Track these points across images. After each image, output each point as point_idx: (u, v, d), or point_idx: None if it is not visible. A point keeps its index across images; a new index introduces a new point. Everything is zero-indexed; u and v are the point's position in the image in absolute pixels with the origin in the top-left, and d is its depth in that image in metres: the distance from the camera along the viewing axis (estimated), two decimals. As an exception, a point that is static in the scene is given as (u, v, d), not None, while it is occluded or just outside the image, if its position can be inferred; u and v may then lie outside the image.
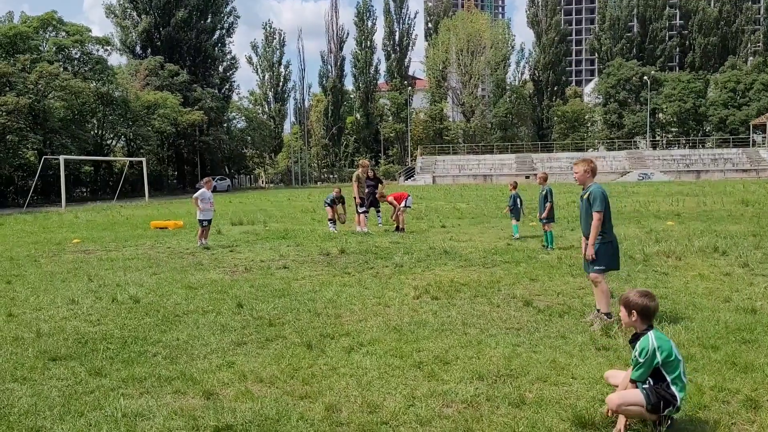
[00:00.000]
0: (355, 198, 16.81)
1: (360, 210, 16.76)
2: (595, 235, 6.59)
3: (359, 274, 10.15)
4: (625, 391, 4.10)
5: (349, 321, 7.05)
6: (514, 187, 15.12)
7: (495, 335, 6.33)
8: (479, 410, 4.42)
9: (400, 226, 16.73)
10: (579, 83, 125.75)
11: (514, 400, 4.55)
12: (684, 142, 73.16)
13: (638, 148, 73.06)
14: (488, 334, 6.38)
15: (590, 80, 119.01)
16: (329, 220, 17.42)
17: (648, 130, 73.16)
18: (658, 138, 77.69)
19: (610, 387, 4.47)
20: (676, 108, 71.61)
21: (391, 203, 17.28)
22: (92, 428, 4.22)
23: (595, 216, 6.56)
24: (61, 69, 46.20)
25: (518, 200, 14.75)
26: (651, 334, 4.06)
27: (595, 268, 6.66)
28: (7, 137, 41.61)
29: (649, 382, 4.02)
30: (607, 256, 6.68)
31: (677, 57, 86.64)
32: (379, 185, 18.18)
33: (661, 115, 76.66)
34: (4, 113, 40.15)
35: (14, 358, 5.85)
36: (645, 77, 72.19)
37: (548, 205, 12.95)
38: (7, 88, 42.24)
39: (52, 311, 7.86)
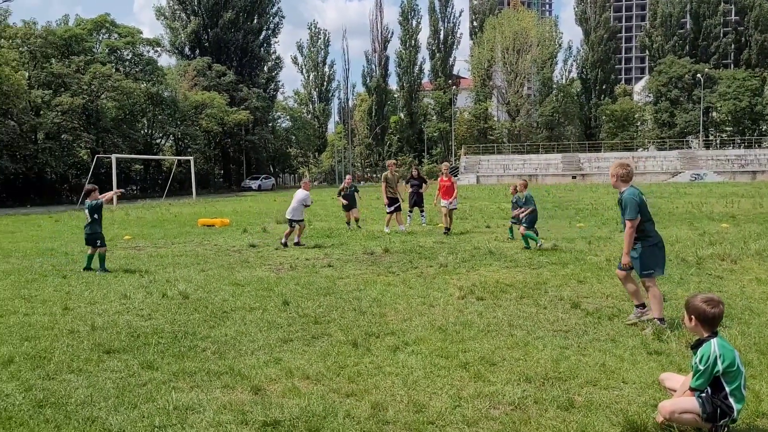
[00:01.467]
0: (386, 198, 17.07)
1: (389, 210, 16.92)
2: (629, 243, 6.43)
3: (404, 274, 10.14)
4: (678, 399, 3.99)
5: (394, 320, 7.05)
6: (515, 190, 14.47)
7: (542, 337, 6.24)
8: (527, 413, 4.36)
9: (448, 227, 16.05)
10: (629, 81, 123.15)
11: (563, 403, 4.47)
12: (739, 141, 70.79)
13: (690, 147, 71.05)
14: (535, 336, 6.30)
15: (640, 78, 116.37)
16: (347, 222, 17.86)
17: (701, 130, 71.10)
18: (711, 137, 75.43)
19: (664, 391, 4.35)
20: (730, 107, 69.40)
21: (442, 185, 16.19)
22: (145, 420, 4.32)
23: (627, 224, 6.40)
24: (114, 70, 47.54)
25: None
26: (714, 341, 3.91)
27: (643, 273, 6.49)
28: (62, 136, 43.05)
29: (707, 391, 3.89)
30: (653, 259, 6.47)
31: (732, 54, 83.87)
32: (423, 185, 18.15)
33: (714, 113, 74.39)
34: (59, 113, 41.53)
35: (70, 350, 6.04)
36: (698, 75, 70.18)
37: (520, 210, 13.38)
38: (63, 89, 43.68)
39: (106, 305, 8.08)
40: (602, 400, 4.53)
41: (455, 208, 16.60)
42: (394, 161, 18.76)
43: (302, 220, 14.41)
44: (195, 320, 7.18)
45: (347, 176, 18.31)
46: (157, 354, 5.87)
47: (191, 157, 47.59)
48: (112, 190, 37.47)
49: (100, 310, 7.78)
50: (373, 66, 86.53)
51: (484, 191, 43.93)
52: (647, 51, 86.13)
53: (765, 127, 71.32)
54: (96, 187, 11.52)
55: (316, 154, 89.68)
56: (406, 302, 7.96)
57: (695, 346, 4.01)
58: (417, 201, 17.88)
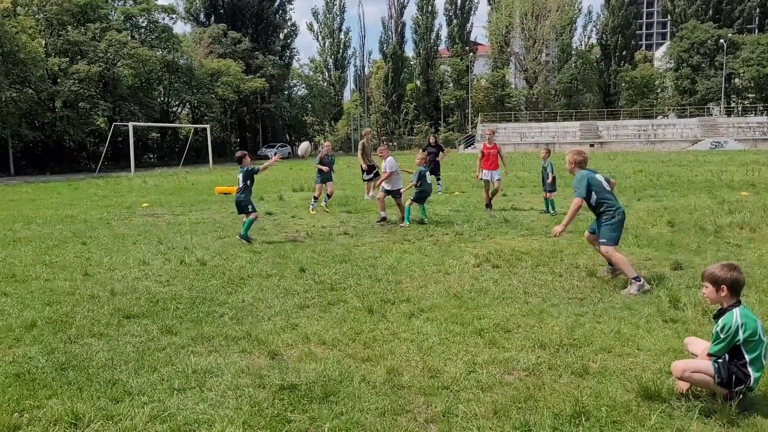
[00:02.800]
0: (361, 166, 16.90)
1: (365, 178, 16.87)
2: (570, 217, 6.88)
3: (419, 242, 10.16)
4: (692, 360, 3.99)
5: (409, 287, 7.08)
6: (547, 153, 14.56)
7: (557, 305, 6.24)
8: (541, 378, 4.39)
9: (489, 202, 14.42)
10: (649, 47, 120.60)
11: (577, 369, 4.49)
12: (761, 108, 69.39)
13: (711, 115, 69.80)
14: (550, 303, 6.31)
15: (661, 44, 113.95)
16: (314, 197, 14.88)
17: (722, 97, 69.71)
18: (733, 105, 74.00)
19: (686, 356, 4.35)
20: (754, 73, 67.78)
21: (485, 154, 14.41)
22: (165, 382, 4.41)
23: (574, 201, 6.88)
24: (129, 37, 47.41)
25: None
26: (737, 310, 3.86)
27: (602, 241, 6.92)
28: (80, 104, 43.23)
29: (724, 357, 3.88)
30: (614, 233, 6.89)
31: (757, 18, 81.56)
32: (440, 153, 18.15)
33: (737, 80, 72.83)
34: (76, 81, 41.63)
35: (91, 314, 6.15)
36: (721, 40, 68.58)
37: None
38: (79, 57, 43.70)
39: (125, 271, 8.20)
40: (617, 367, 4.54)
41: (498, 179, 14.67)
42: (369, 129, 18.06)
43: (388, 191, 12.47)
44: (213, 286, 7.27)
45: (326, 142, 16.69)
46: (175, 319, 5.96)
47: (207, 126, 47.62)
48: (130, 157, 37.87)
49: (120, 276, 7.90)
50: (390, 32, 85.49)
51: (501, 159, 43.63)
52: (669, 16, 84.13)
53: (789, 94, 69.74)
54: (246, 152, 10.95)
55: (332, 122, 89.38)
56: (422, 270, 7.99)
57: (717, 315, 3.97)
58: (433, 169, 17.86)
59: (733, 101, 74.48)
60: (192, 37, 63.62)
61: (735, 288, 3.90)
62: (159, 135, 57.31)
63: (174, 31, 55.37)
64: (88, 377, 4.53)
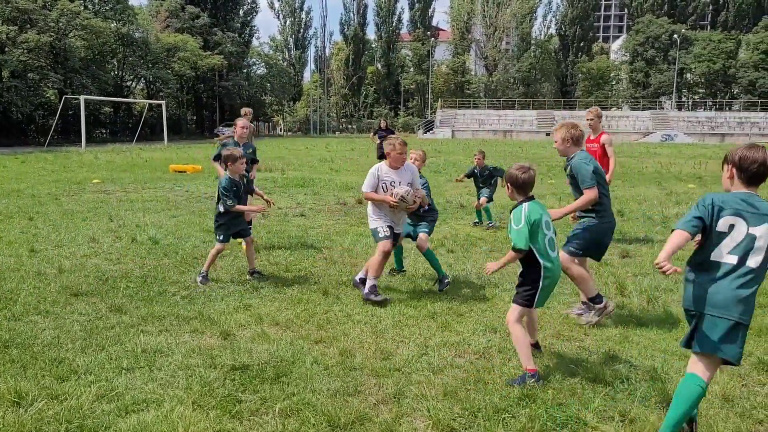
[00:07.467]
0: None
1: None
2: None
3: (376, 225, 10.16)
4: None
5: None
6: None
7: (509, 290, 6.34)
8: (491, 361, 4.48)
9: None
10: (606, 39, 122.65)
11: (526, 353, 4.59)
12: (710, 104, 71.54)
13: (663, 108, 71.63)
14: (503, 288, 6.42)
15: (618, 37, 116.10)
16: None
17: (674, 91, 71.56)
18: (684, 99, 76.05)
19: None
20: (704, 68, 69.79)
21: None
22: (113, 362, 4.33)
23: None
24: (82, 7, 45.77)
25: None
26: (525, 204, 4.17)
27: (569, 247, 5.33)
28: (29, 75, 41.63)
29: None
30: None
31: (710, 15, 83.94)
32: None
33: (688, 75, 74.84)
34: (25, 51, 40.07)
35: (37, 292, 5.99)
36: (675, 35, 70.25)
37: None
38: (29, 26, 42.00)
39: (74, 248, 7.99)
40: (564, 351, 4.66)
41: None
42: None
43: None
44: (165, 265, 7.15)
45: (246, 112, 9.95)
46: (125, 298, 5.85)
47: (163, 102, 46.53)
48: (80, 132, 36.73)
49: (68, 253, 7.70)
50: (351, 14, 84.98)
51: (459, 145, 43.88)
52: (626, 9, 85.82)
53: (737, 90, 72.03)
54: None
55: (291, 102, 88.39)
56: (377, 253, 8.00)
57: (512, 210, 4.23)
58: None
59: (684, 95, 76.54)
60: (148, 9, 61.81)
61: (516, 185, 4.22)
62: (112, 110, 55.68)
63: (129, 3, 53.68)
64: (32, 355, 4.41)
